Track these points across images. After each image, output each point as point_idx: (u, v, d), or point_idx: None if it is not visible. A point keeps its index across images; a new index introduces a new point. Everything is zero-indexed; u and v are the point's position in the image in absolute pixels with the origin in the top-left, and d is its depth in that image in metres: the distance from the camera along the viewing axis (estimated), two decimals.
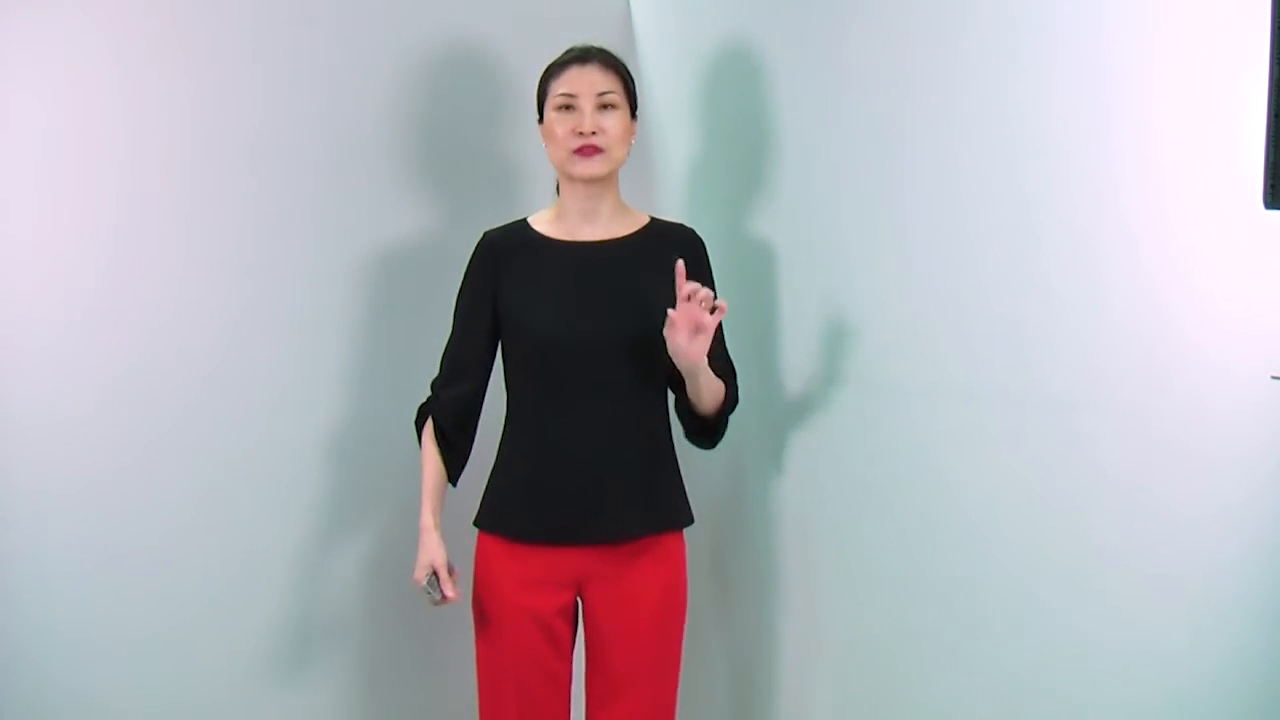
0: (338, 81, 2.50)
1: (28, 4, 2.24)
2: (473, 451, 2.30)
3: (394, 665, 2.63)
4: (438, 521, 2.23)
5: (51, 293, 2.29)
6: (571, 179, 2.21)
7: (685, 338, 2.07)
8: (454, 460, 2.29)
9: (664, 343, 2.12)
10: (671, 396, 2.29)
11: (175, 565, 2.41)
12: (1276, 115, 1.42)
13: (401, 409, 2.39)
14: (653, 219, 2.30)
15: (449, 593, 2.19)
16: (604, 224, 2.24)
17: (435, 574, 2.19)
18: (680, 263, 2.07)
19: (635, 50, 2.67)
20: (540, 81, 2.24)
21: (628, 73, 2.24)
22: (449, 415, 2.27)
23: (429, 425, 2.28)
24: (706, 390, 2.18)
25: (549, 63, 2.24)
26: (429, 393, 2.30)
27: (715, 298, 2.08)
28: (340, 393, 2.55)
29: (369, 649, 2.60)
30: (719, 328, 2.16)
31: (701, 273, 2.24)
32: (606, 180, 2.22)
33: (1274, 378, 1.49)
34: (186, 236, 2.39)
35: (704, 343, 2.08)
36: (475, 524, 2.27)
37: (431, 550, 2.20)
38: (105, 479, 2.35)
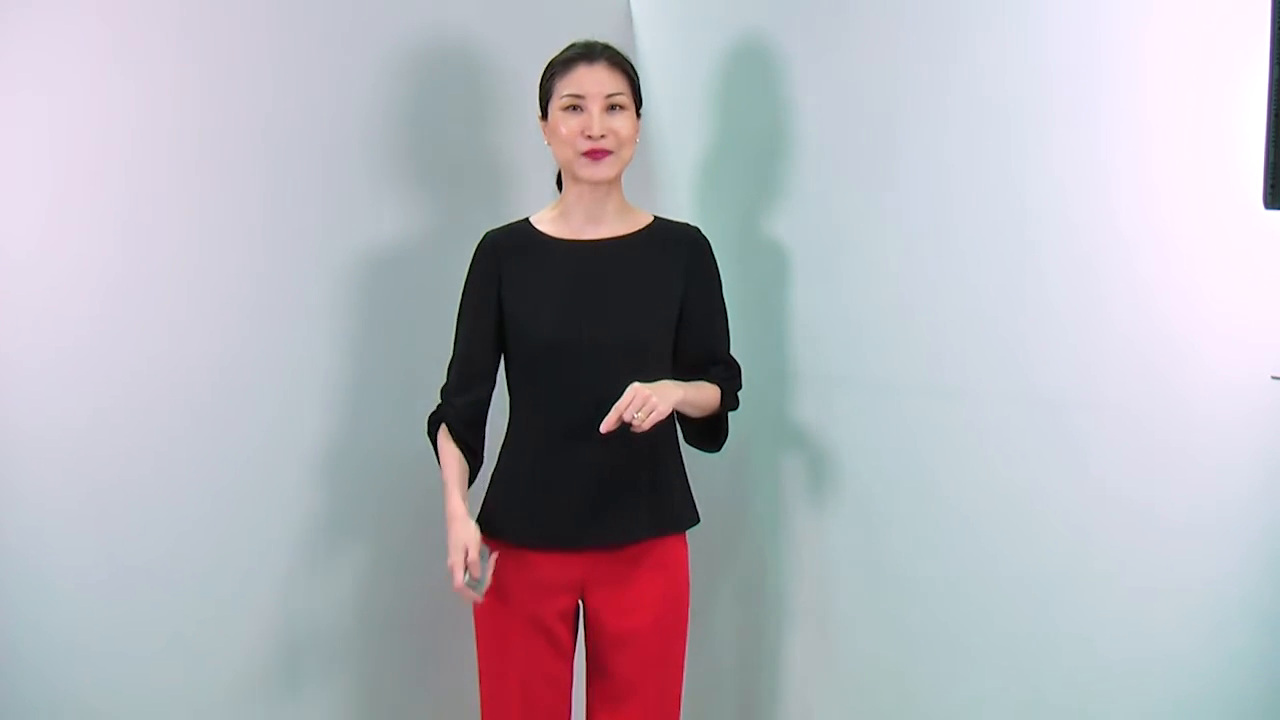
0: (335, 80, 2.49)
1: (30, 3, 2.23)
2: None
3: (395, 672, 2.63)
4: (468, 509, 2.20)
5: (52, 300, 2.27)
6: (578, 180, 2.20)
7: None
8: (473, 464, 2.27)
9: (666, 343, 2.17)
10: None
11: (176, 570, 2.41)
12: (1277, 115, 1.42)
13: (400, 410, 2.40)
14: (656, 218, 2.28)
15: (489, 577, 2.15)
16: (609, 224, 2.22)
17: (472, 557, 2.16)
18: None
19: (635, 47, 2.67)
20: (544, 78, 2.21)
21: (634, 70, 2.22)
22: (465, 422, 2.24)
23: (444, 431, 2.26)
24: (695, 410, 2.19)
25: (552, 58, 2.21)
26: (438, 400, 2.28)
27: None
28: (338, 397, 2.53)
29: (369, 654, 2.59)
30: (724, 321, 2.25)
31: (706, 272, 2.24)
32: (612, 180, 2.20)
33: (1274, 378, 1.49)
34: (184, 242, 2.37)
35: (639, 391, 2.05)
36: (475, 522, 2.26)
37: (470, 536, 2.14)
38: (104, 486, 2.33)
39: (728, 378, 2.25)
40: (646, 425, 2.04)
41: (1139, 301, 1.66)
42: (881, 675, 2.18)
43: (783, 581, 2.41)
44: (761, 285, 2.38)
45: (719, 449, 2.29)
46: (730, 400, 2.24)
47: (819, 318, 2.28)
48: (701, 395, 2.18)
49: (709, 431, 2.27)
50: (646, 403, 2.03)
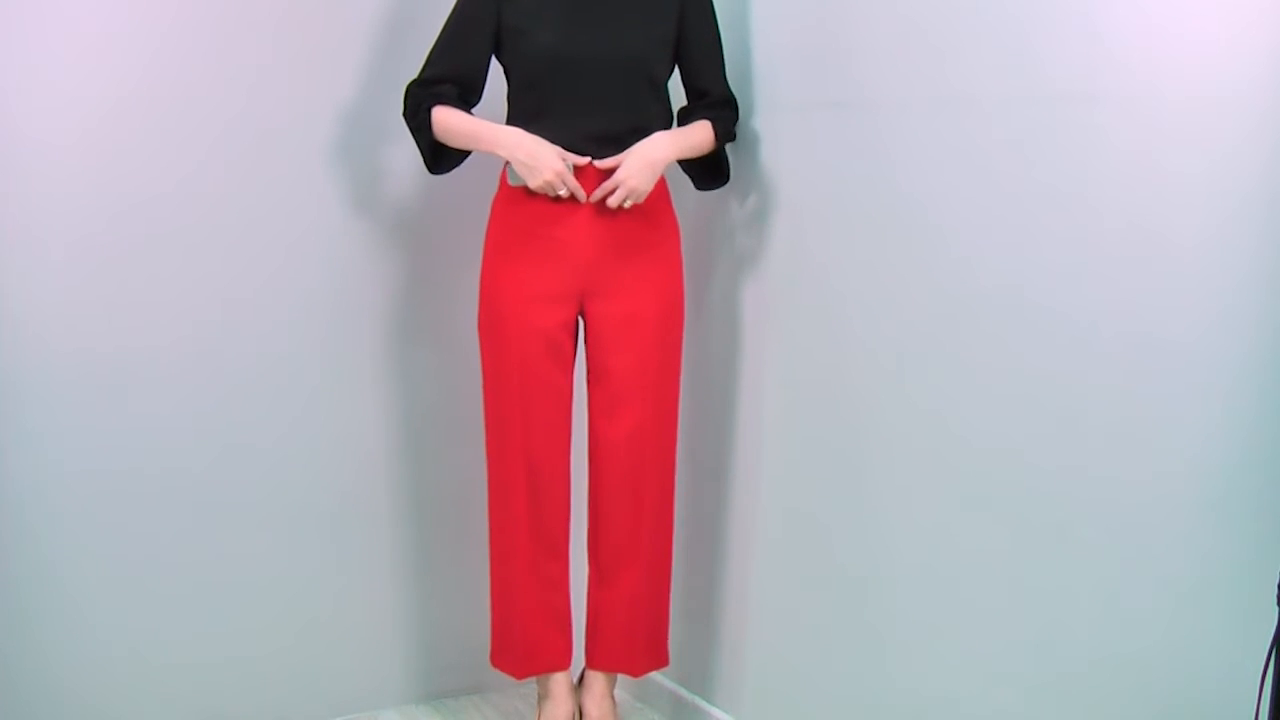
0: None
1: None
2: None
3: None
4: None
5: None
6: None
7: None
8: None
9: (664, 63, 2.32)
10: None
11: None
12: None
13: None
14: None
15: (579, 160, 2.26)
16: None
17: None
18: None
19: None
20: None
21: None
22: (453, 99, 2.30)
23: (440, 106, 2.29)
24: (692, 152, 2.33)
25: None
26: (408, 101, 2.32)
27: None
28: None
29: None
30: (718, 52, 2.35)
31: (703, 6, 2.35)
32: None
33: None
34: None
35: (624, 183, 2.24)
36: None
37: (552, 146, 2.23)
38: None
39: (720, 115, 2.32)
40: (628, 204, 2.25)
41: None
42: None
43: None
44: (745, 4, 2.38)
45: (724, 183, 2.40)
46: (723, 135, 2.33)
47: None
48: (694, 138, 2.32)
49: (711, 169, 2.38)
50: (632, 194, 2.23)
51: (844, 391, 2.19)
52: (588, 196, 2.26)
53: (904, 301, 2.05)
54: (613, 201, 2.25)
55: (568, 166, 2.24)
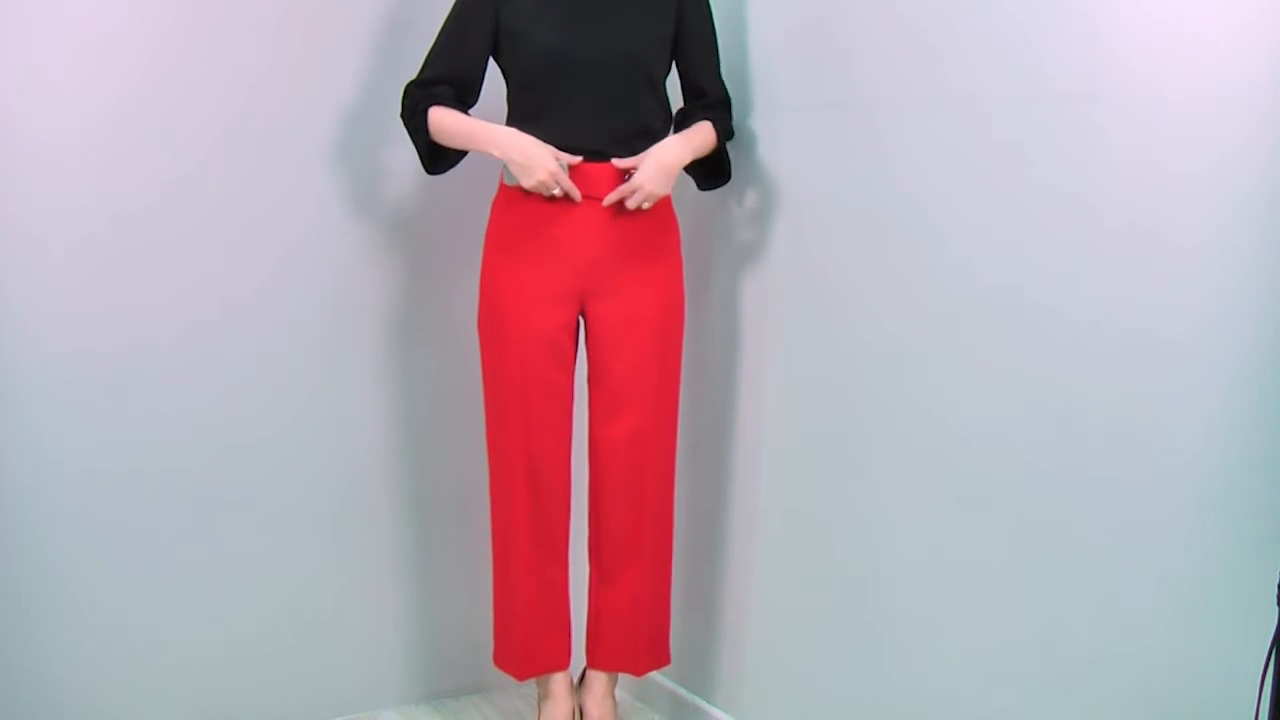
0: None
1: None
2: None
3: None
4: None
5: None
6: None
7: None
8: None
9: (663, 62, 2.33)
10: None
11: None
12: None
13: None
14: None
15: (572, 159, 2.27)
16: None
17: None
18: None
19: None
20: None
21: None
22: (450, 99, 2.30)
23: (438, 106, 2.29)
24: (699, 153, 2.33)
25: None
26: (406, 99, 2.32)
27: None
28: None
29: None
30: (714, 51, 2.36)
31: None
32: None
33: None
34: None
35: (642, 188, 2.26)
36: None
37: (545, 146, 2.24)
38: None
39: (719, 115, 2.35)
40: (646, 206, 2.28)
41: None
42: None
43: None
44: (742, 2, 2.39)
45: (726, 182, 2.41)
46: (723, 134, 2.36)
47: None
48: (700, 138, 2.33)
49: (713, 169, 2.40)
50: (649, 198, 2.26)
51: (844, 391, 2.19)
52: (581, 196, 2.26)
53: (904, 301, 2.05)
54: (631, 204, 2.26)
55: (562, 166, 2.24)
